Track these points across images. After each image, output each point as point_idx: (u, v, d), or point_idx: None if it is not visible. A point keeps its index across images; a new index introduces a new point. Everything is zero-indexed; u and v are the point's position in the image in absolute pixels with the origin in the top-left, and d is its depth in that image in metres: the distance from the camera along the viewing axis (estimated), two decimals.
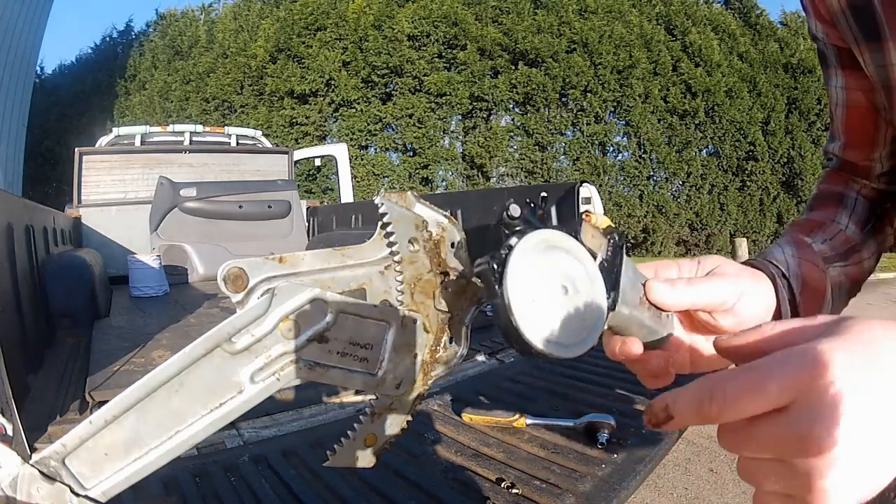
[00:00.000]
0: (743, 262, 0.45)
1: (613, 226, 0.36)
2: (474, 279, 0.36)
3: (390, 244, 0.38)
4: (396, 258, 0.38)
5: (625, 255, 0.35)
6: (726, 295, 0.39)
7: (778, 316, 0.43)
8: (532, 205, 0.33)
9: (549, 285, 0.31)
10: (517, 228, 0.31)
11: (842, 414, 0.21)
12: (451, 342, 0.40)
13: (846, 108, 0.55)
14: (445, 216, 0.39)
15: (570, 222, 0.34)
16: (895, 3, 0.42)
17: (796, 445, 0.21)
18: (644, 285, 0.37)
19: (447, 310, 0.39)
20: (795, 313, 0.44)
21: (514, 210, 0.32)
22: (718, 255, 0.42)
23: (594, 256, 0.34)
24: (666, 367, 0.39)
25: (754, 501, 0.25)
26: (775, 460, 0.22)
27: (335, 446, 0.40)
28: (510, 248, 0.30)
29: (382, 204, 0.38)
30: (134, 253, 3.67)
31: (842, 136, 0.57)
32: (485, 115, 11.78)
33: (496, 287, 0.30)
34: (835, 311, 0.50)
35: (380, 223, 0.38)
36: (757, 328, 0.27)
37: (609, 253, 0.34)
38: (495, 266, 0.30)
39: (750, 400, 0.22)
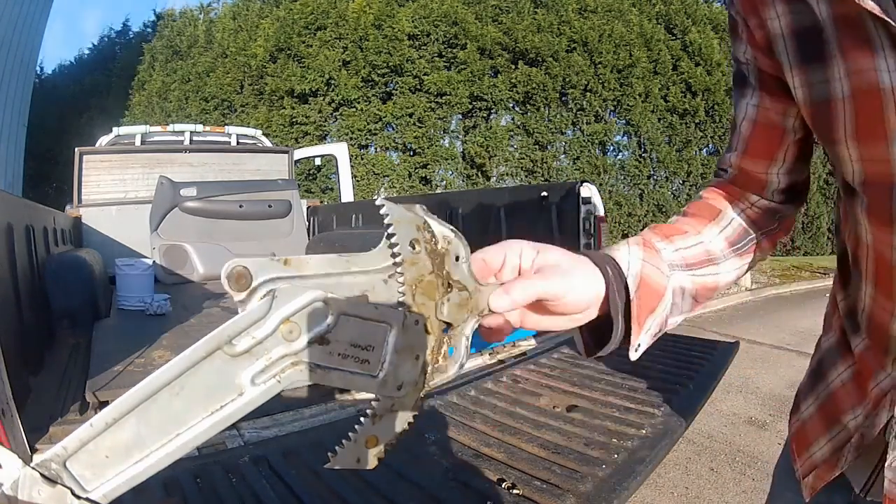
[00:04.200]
0: (586, 252, 0.47)
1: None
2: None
3: (392, 245, 0.38)
4: (398, 259, 0.38)
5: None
6: (557, 290, 0.43)
7: (605, 305, 0.46)
8: None
9: None
10: None
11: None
12: (451, 353, 0.40)
13: (755, 122, 0.56)
14: (451, 230, 0.39)
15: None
16: (846, 20, 0.41)
17: None
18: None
19: (449, 321, 0.40)
20: (627, 307, 0.46)
21: None
22: (557, 249, 0.45)
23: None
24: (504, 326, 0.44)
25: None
26: None
27: (336, 447, 0.40)
28: None
29: (384, 205, 0.38)
30: (134, 253, 3.66)
31: (743, 145, 0.58)
32: (485, 115, 11.76)
33: None
34: (676, 312, 0.51)
35: (386, 233, 0.38)
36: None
37: None
38: None
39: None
